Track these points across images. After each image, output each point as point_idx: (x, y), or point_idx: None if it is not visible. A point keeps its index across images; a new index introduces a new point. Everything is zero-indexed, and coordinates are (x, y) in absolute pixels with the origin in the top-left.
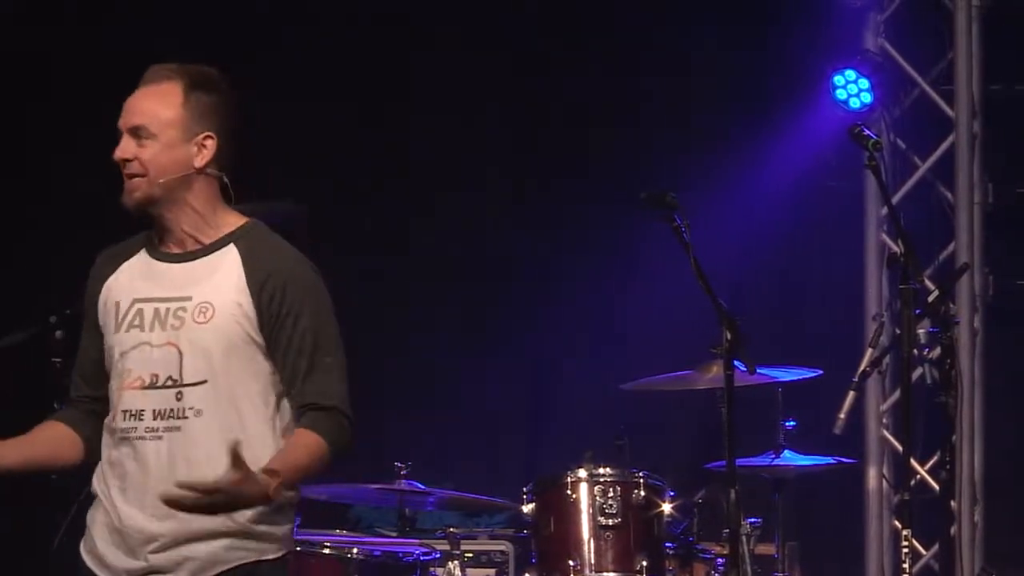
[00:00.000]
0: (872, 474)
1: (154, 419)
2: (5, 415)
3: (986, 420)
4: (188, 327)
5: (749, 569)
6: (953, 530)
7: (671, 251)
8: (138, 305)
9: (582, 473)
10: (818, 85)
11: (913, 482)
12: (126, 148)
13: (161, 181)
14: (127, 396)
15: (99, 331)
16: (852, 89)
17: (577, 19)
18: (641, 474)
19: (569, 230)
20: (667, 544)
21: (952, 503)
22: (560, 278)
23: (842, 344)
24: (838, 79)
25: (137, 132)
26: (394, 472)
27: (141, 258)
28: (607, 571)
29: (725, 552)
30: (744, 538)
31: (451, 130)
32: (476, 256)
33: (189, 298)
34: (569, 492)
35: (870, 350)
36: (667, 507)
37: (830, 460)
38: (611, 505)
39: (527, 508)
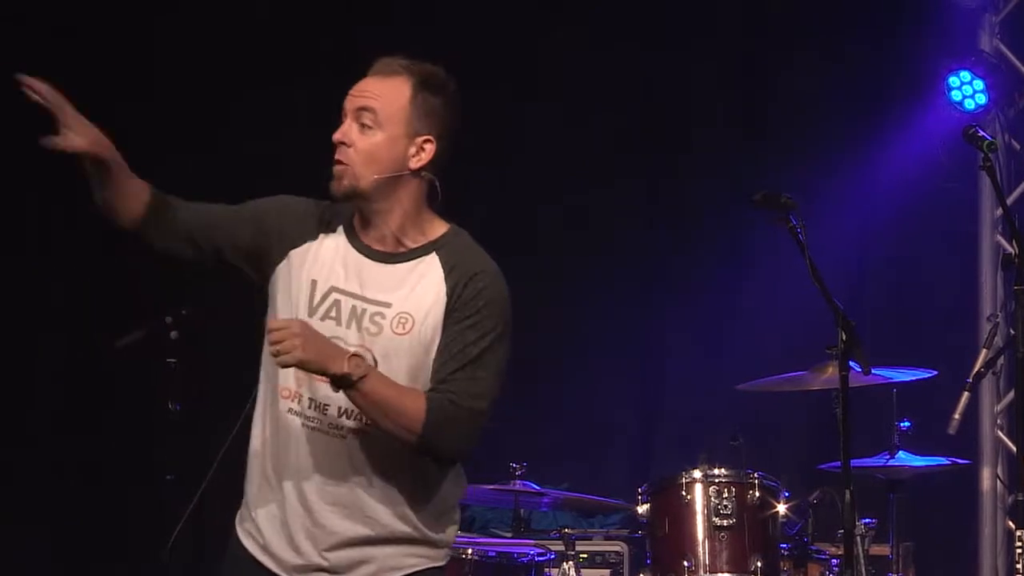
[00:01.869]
0: (986, 475)
1: (339, 416)
2: (121, 414)
3: None
4: (386, 336)
5: (864, 570)
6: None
7: (787, 252)
8: (335, 295)
9: (697, 474)
10: (933, 87)
11: None
12: (348, 132)
13: (375, 177)
14: (315, 384)
15: (259, 232)
16: (967, 90)
17: (695, 20)
18: (756, 475)
19: (685, 230)
20: (782, 545)
21: None
22: (675, 278)
23: (957, 345)
24: (953, 80)
25: (363, 116)
26: (509, 473)
27: (343, 241)
28: (721, 572)
29: (840, 553)
30: (859, 539)
31: (571, 128)
32: (593, 256)
33: (389, 305)
34: (684, 493)
35: (984, 351)
36: (782, 508)
37: (944, 461)
38: (726, 506)
39: (642, 509)
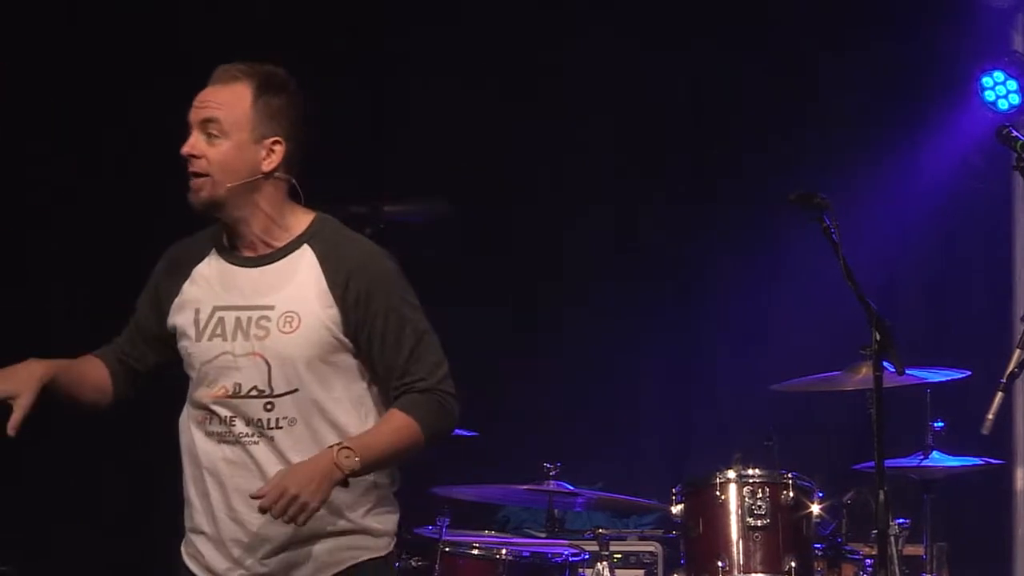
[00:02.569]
0: (1020, 475)
1: (246, 426)
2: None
3: None
4: (274, 337)
5: (897, 570)
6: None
7: (820, 251)
8: (219, 313)
9: (731, 474)
10: (966, 87)
11: None
12: (196, 144)
13: (229, 185)
14: (215, 404)
15: (159, 314)
16: (1000, 91)
17: (729, 19)
18: (790, 475)
19: (719, 230)
20: (816, 545)
21: None
22: (709, 278)
23: (990, 345)
24: (986, 81)
25: (208, 127)
26: (543, 473)
27: (214, 261)
28: (755, 572)
29: (873, 553)
30: (892, 539)
31: (604, 129)
32: (626, 257)
33: (271, 307)
34: (718, 493)
35: (1018, 351)
36: (816, 508)
37: (978, 461)
38: (760, 506)
39: (676, 509)
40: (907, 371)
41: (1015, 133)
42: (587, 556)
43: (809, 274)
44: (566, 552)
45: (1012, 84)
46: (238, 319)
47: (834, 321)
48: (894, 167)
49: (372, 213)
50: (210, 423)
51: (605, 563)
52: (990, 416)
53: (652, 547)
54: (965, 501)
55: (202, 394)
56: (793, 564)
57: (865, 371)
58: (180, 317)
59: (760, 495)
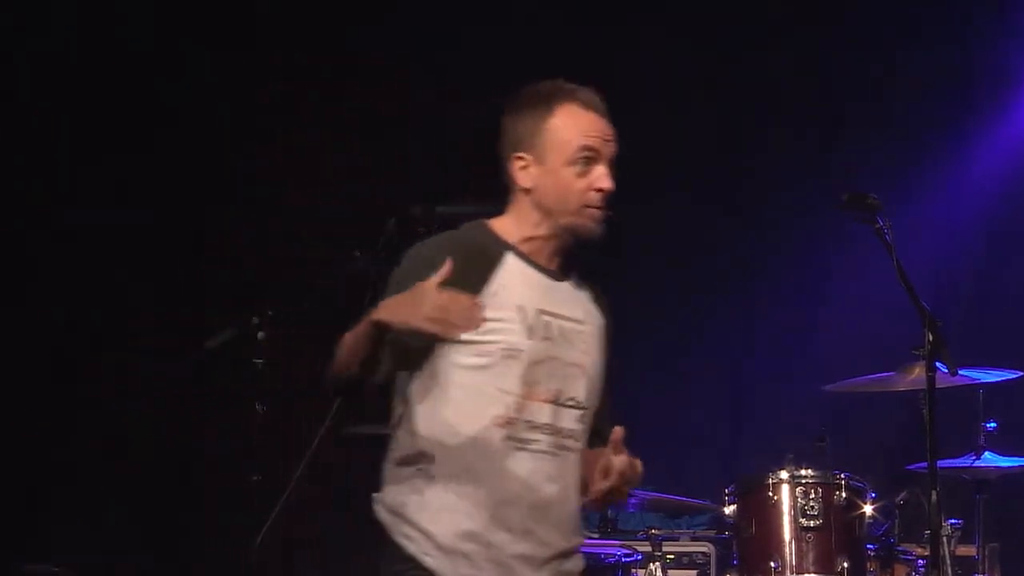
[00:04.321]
0: None
1: (555, 435)
2: (209, 414)
3: None
4: (591, 352)
5: (950, 570)
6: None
7: (874, 252)
8: (545, 317)
9: (784, 474)
10: (1015, 88)
11: None
12: (611, 182)
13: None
14: (534, 407)
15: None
16: None
17: (777, 16)
18: (842, 475)
19: (771, 231)
20: (868, 545)
21: None
22: (763, 278)
23: None
24: None
25: (613, 163)
26: None
27: (519, 264)
28: (808, 572)
29: (926, 553)
30: (945, 539)
31: (654, 130)
32: (678, 257)
33: (583, 321)
34: (771, 494)
35: None
36: (868, 508)
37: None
38: (812, 507)
39: (728, 510)
40: (960, 371)
41: None
42: (640, 557)
43: (861, 275)
44: (619, 553)
45: None
46: (562, 328)
47: (886, 322)
48: (944, 168)
49: (425, 213)
50: (516, 428)
51: (658, 564)
52: None
53: (705, 547)
54: (1017, 501)
55: (518, 392)
56: (845, 565)
57: (918, 372)
58: (489, 312)
59: (813, 496)
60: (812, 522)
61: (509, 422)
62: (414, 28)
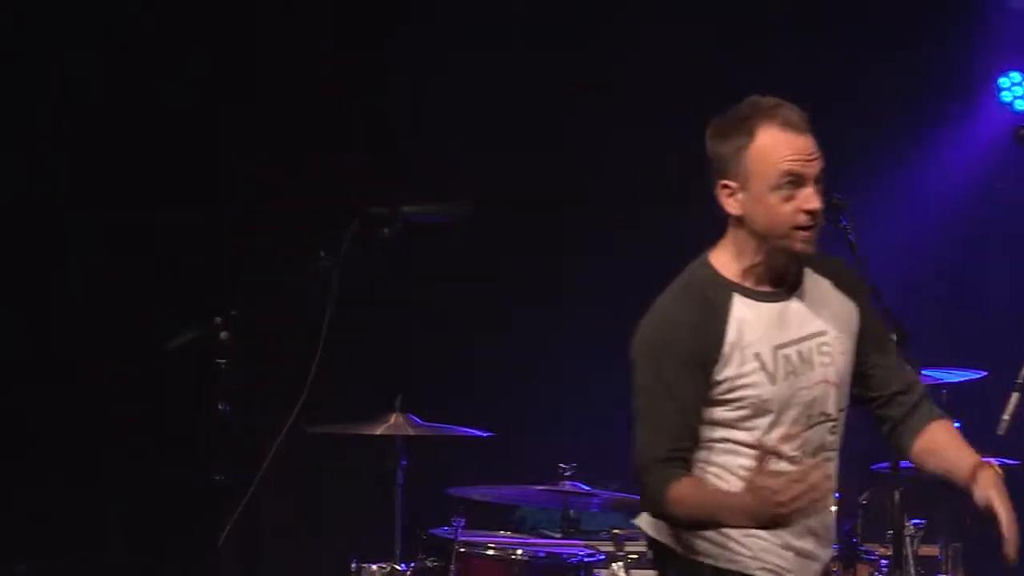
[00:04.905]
0: None
1: (812, 456)
2: (172, 415)
3: None
4: (836, 360)
5: (913, 570)
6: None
7: (838, 251)
8: (783, 351)
9: None
10: (984, 88)
11: None
12: (818, 200)
13: (819, 230)
14: (786, 446)
15: (707, 383)
16: (1017, 91)
17: (743, 21)
18: None
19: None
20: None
21: None
22: None
23: (1007, 345)
24: (1003, 81)
25: (820, 179)
26: (559, 473)
27: (746, 304)
28: None
29: (889, 553)
30: (908, 539)
31: (606, 131)
32: (649, 260)
33: (824, 332)
34: None
35: None
36: (831, 508)
37: (994, 461)
38: None
39: None
40: (924, 371)
41: None
42: (603, 557)
43: None
44: (581, 553)
45: None
46: (799, 352)
47: None
48: (912, 167)
49: (391, 214)
50: (770, 464)
51: (621, 563)
52: (1006, 417)
53: None
54: None
55: (776, 435)
56: None
57: None
58: (733, 368)
59: None
60: None
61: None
62: (376, 29)
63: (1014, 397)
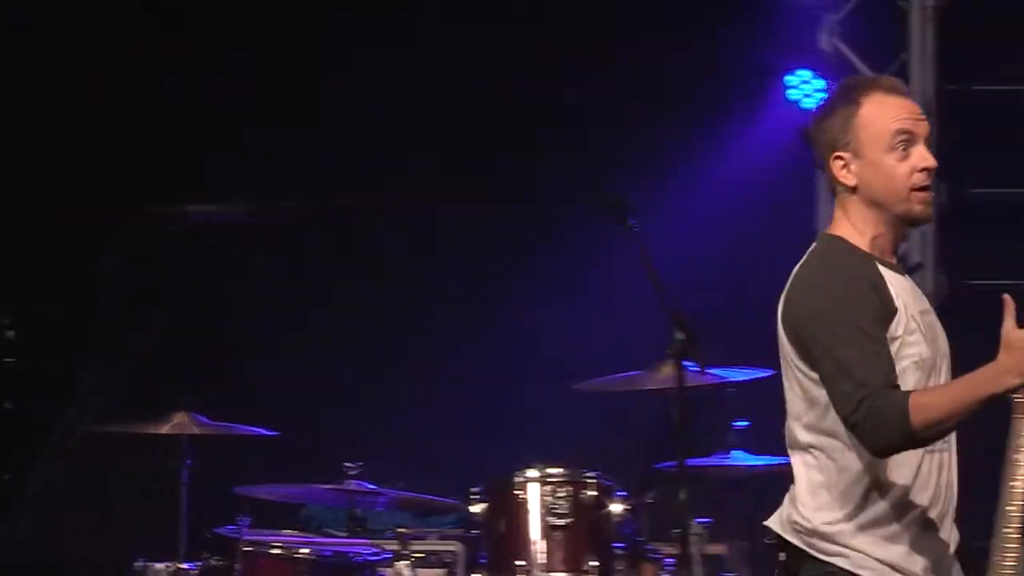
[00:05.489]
0: None
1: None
2: None
3: None
4: (941, 336)
5: (698, 569)
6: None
7: (625, 251)
8: (927, 318)
9: (532, 473)
10: (772, 85)
11: None
12: (929, 157)
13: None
14: None
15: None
16: (806, 89)
17: (528, 18)
18: (591, 474)
19: (527, 231)
20: (617, 544)
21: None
22: (515, 278)
23: None
24: (791, 79)
25: (929, 140)
26: (344, 472)
27: (888, 272)
28: (556, 571)
29: (675, 552)
30: (694, 538)
31: (407, 129)
32: (430, 258)
33: (931, 310)
34: (519, 492)
35: None
36: (617, 507)
37: (781, 460)
38: (561, 505)
39: (477, 508)
40: (710, 370)
41: None
42: (388, 555)
43: (612, 274)
44: (367, 551)
45: (818, 83)
46: (930, 323)
47: (637, 321)
48: (699, 165)
49: (177, 213)
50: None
51: (406, 562)
52: None
53: (453, 546)
54: (767, 500)
55: None
56: (594, 563)
57: (668, 370)
58: (902, 326)
59: (561, 494)
60: (560, 520)
61: None
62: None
63: None
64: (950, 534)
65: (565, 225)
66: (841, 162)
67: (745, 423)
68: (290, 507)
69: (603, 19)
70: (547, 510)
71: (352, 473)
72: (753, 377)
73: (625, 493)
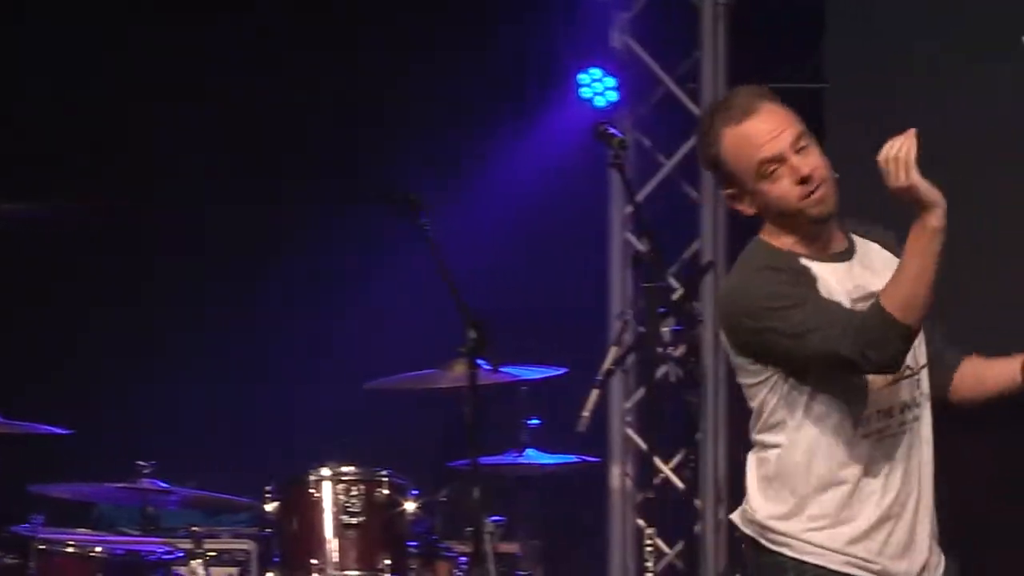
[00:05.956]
0: (615, 472)
1: (901, 412)
2: None
3: (731, 418)
4: None
5: (492, 567)
6: (697, 528)
7: (416, 249)
8: (859, 305)
9: (325, 472)
10: (563, 84)
11: (657, 480)
12: (807, 161)
13: (829, 184)
14: (877, 395)
15: None
16: (597, 87)
17: (317, 12)
18: (384, 472)
19: (316, 229)
20: (410, 542)
21: (696, 501)
22: (304, 275)
23: (587, 342)
24: (583, 77)
25: (799, 143)
26: (138, 471)
27: (813, 263)
28: (350, 569)
29: (468, 550)
30: (487, 536)
31: (185, 122)
32: (218, 256)
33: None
34: (312, 491)
35: (614, 348)
36: (410, 505)
37: (574, 458)
38: (354, 503)
39: (270, 507)
40: (503, 369)
41: (611, 130)
42: (181, 554)
43: (405, 272)
44: (160, 550)
45: (609, 81)
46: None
47: (430, 319)
48: (492, 164)
49: None
50: (868, 421)
51: (199, 561)
52: (586, 413)
53: (246, 545)
54: (561, 498)
55: (878, 393)
56: (388, 561)
57: (460, 369)
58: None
59: (354, 493)
60: (354, 519)
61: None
62: None
63: (593, 394)
64: (917, 523)
65: (359, 224)
66: (731, 198)
67: (537, 421)
68: (82, 506)
69: (397, 18)
70: (340, 508)
71: (145, 472)
72: (545, 376)
73: (418, 491)
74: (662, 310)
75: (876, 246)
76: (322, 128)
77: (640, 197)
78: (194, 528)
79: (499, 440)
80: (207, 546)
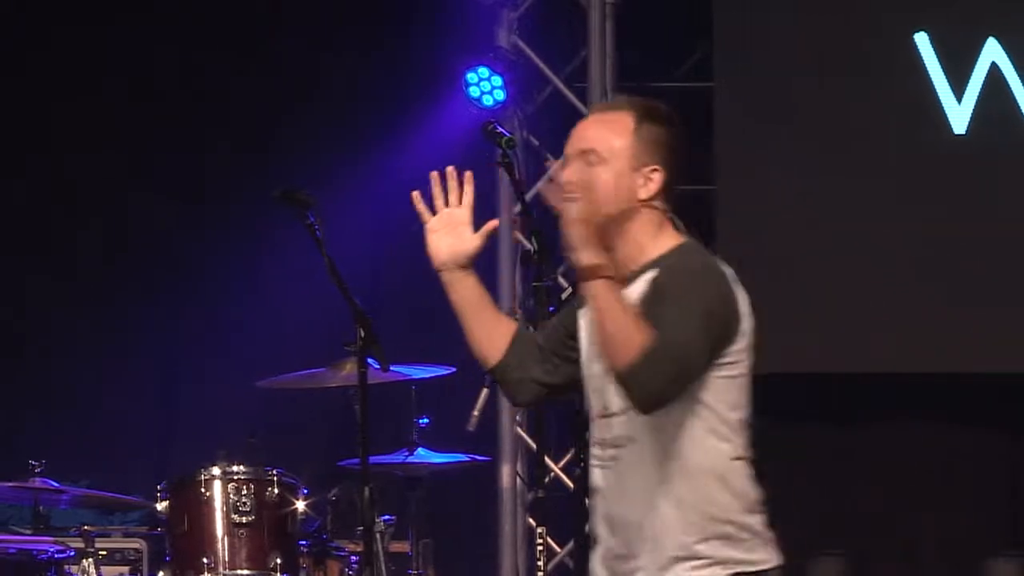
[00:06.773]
0: (506, 472)
1: (602, 449)
2: None
3: None
4: None
5: (383, 567)
6: (587, 528)
7: (306, 247)
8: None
9: (215, 471)
10: (451, 82)
11: (547, 480)
12: (575, 171)
13: (606, 210)
14: (594, 425)
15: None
16: (485, 86)
17: (212, 17)
18: (275, 472)
19: (206, 228)
20: (301, 542)
21: (587, 500)
22: (196, 276)
23: None
24: (471, 76)
25: (587, 157)
26: (29, 470)
27: None
28: (241, 569)
29: (359, 550)
30: (378, 536)
31: (90, 122)
32: (116, 253)
33: None
34: (203, 490)
35: None
36: (301, 505)
37: (464, 458)
38: (244, 503)
39: (161, 506)
40: (392, 368)
41: (500, 129)
42: (73, 553)
43: (295, 270)
44: (51, 549)
45: (497, 80)
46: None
47: (319, 318)
48: (379, 163)
49: None
50: (593, 447)
51: (90, 560)
52: (476, 412)
53: (137, 544)
54: (451, 498)
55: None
56: (278, 561)
57: (350, 368)
58: (582, 341)
59: (245, 492)
60: (244, 518)
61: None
62: None
63: (483, 393)
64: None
65: (249, 221)
66: None
67: (427, 420)
68: None
69: (284, 16)
70: (231, 508)
71: (36, 471)
72: (435, 375)
73: (309, 491)
74: (552, 309)
75: (649, 279)
76: (210, 127)
77: (529, 196)
78: (85, 527)
79: (389, 439)
80: (99, 545)
